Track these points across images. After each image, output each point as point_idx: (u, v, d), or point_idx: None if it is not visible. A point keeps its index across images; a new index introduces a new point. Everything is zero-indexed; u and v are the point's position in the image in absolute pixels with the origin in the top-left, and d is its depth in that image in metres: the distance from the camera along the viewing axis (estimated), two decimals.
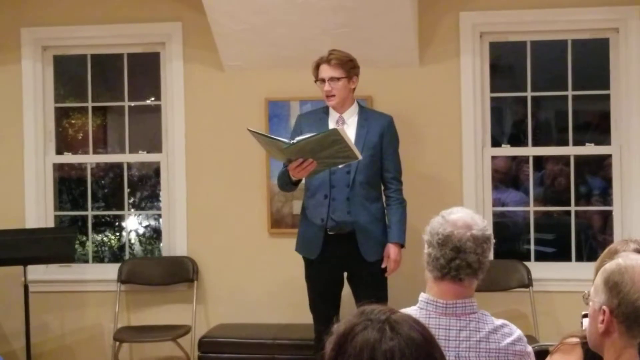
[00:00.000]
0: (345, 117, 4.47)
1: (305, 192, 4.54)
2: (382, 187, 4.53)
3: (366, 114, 4.53)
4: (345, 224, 4.38)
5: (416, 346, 1.49)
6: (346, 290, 4.53)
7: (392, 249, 4.39)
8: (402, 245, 4.42)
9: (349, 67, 4.41)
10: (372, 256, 4.39)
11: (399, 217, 4.45)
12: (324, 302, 4.43)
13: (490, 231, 2.50)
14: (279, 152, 4.09)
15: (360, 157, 4.11)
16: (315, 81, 4.45)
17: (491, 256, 2.51)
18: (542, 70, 5.41)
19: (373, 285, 4.37)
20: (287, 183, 4.33)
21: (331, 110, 4.50)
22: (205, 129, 5.41)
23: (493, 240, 2.51)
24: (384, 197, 4.53)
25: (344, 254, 4.39)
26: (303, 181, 4.42)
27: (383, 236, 4.43)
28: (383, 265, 4.40)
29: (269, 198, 5.31)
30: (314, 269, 4.47)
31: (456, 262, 2.42)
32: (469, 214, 2.49)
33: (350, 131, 4.38)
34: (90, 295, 5.52)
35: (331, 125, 4.42)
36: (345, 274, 4.52)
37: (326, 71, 4.40)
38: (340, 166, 4.34)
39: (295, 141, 4.01)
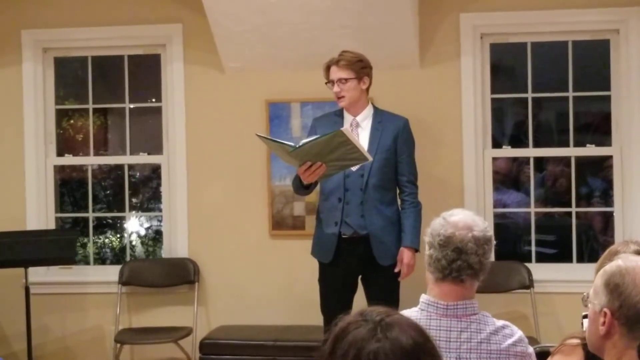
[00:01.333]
0: (359, 120, 4.42)
1: (319, 196, 4.51)
2: (397, 191, 4.48)
3: (381, 116, 4.46)
4: (359, 228, 4.34)
5: (402, 350, 1.48)
6: (359, 293, 4.48)
7: (405, 253, 4.34)
8: (416, 250, 4.35)
9: (359, 67, 4.37)
10: (386, 260, 4.34)
11: (413, 221, 4.38)
12: (336, 305, 4.34)
13: (491, 232, 2.50)
14: (288, 156, 4.04)
15: (370, 158, 4.05)
16: (326, 83, 4.42)
17: (492, 257, 2.51)
18: (543, 72, 5.40)
19: (386, 289, 4.34)
20: (299, 187, 4.27)
21: (345, 113, 4.46)
22: (205, 131, 5.40)
23: (494, 242, 2.50)
24: (399, 201, 4.48)
25: (358, 257, 4.35)
26: (318, 186, 4.38)
27: (397, 240, 4.37)
28: (396, 270, 4.34)
29: (270, 199, 5.31)
30: (328, 271, 4.43)
31: (457, 263, 2.42)
32: (470, 216, 2.49)
33: (364, 134, 4.36)
34: (92, 297, 5.52)
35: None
36: (359, 277, 4.47)
37: (334, 73, 4.36)
38: (353, 169, 4.30)
39: (300, 144, 3.94)
